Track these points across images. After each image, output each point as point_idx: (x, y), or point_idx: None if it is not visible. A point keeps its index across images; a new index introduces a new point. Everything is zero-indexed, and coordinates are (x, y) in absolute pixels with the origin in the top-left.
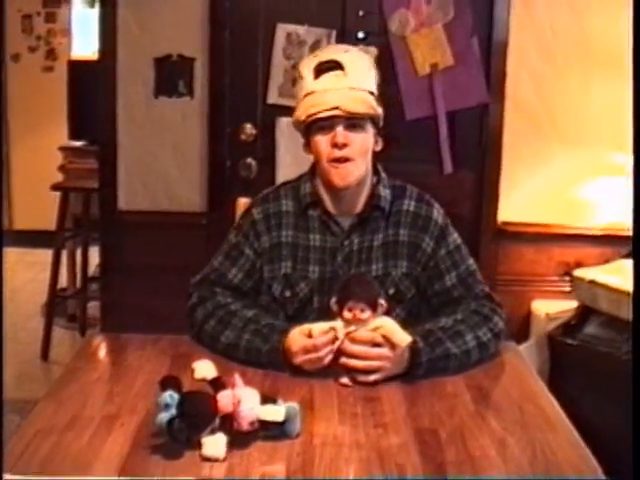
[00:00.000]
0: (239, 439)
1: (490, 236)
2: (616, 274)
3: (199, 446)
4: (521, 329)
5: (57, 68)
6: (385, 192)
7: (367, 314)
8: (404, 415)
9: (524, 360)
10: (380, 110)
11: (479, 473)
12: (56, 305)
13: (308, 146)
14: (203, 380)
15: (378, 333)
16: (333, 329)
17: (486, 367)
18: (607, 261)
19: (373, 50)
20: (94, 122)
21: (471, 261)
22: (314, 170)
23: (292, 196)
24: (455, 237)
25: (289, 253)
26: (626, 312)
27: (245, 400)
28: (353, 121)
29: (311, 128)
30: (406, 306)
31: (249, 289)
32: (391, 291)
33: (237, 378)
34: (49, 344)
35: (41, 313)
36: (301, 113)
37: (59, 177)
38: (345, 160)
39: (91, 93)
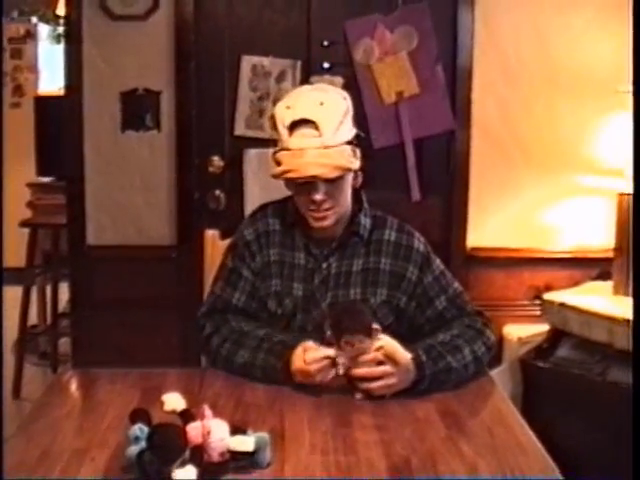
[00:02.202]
0: (210, 470)
1: (460, 262)
2: (586, 296)
3: (170, 478)
4: (493, 354)
5: (24, 104)
6: (365, 220)
7: (365, 343)
8: (375, 442)
9: (494, 384)
10: (356, 161)
11: None
12: (27, 342)
13: (286, 184)
14: (173, 412)
15: (380, 353)
16: (328, 358)
17: (457, 391)
18: (576, 283)
19: (339, 80)
20: (62, 158)
21: (457, 284)
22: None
23: (278, 215)
24: (438, 263)
25: (277, 271)
26: (597, 334)
27: (215, 431)
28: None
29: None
30: (418, 344)
31: (255, 310)
32: None
33: (206, 409)
34: (20, 382)
35: (12, 350)
36: (278, 173)
37: (27, 213)
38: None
39: (58, 129)
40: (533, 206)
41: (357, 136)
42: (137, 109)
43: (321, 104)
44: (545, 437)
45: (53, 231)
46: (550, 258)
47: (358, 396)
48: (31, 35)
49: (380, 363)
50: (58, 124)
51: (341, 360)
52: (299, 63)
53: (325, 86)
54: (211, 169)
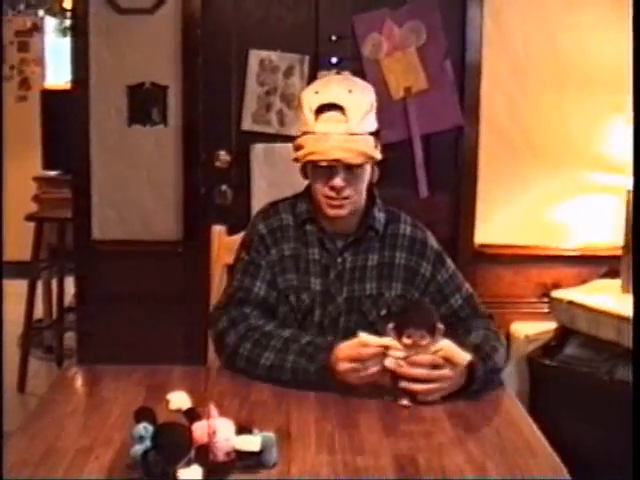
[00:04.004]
0: (215, 470)
1: (467, 259)
2: (594, 294)
3: (175, 478)
4: None
5: (31, 98)
6: (380, 215)
7: (427, 340)
8: (382, 442)
9: (503, 384)
10: (379, 153)
11: None
12: (32, 336)
13: (304, 172)
14: (178, 411)
15: (438, 355)
16: (386, 347)
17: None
18: (585, 281)
19: (347, 75)
20: (68, 151)
21: (468, 285)
22: (310, 190)
23: (290, 211)
24: (450, 262)
25: (293, 265)
26: (605, 332)
27: (220, 430)
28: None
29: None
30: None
31: (274, 299)
32: (383, 312)
33: (212, 408)
34: (25, 376)
35: (17, 345)
36: (301, 155)
37: (33, 207)
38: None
39: (65, 122)
40: (541, 203)
41: (378, 132)
42: (144, 103)
43: (350, 92)
44: (552, 435)
45: (59, 225)
46: (558, 255)
47: (404, 402)
48: (38, 28)
49: (434, 367)
50: (64, 118)
51: (395, 354)
52: (307, 58)
53: (355, 78)
54: (218, 164)
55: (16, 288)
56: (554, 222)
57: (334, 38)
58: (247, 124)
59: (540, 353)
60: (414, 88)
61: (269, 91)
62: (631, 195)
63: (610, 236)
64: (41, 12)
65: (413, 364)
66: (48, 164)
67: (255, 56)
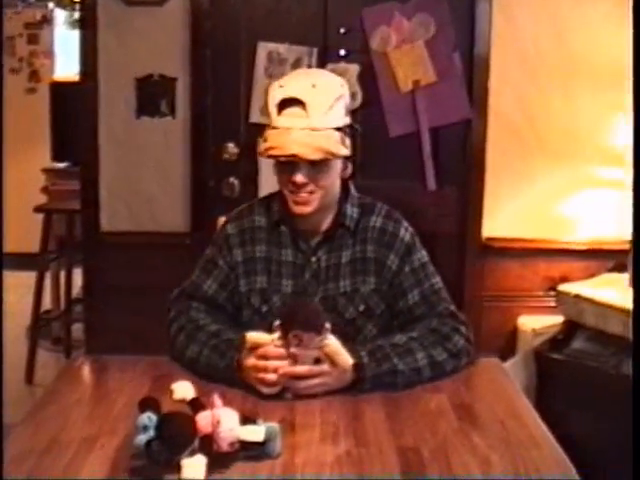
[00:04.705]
0: (219, 460)
1: (475, 252)
2: (601, 288)
3: (178, 468)
4: (507, 345)
5: (40, 90)
6: (352, 210)
7: (314, 341)
8: (386, 433)
9: (507, 376)
10: (344, 149)
11: None
12: (40, 328)
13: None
14: (182, 401)
15: (323, 351)
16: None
17: (469, 384)
18: (592, 275)
19: (355, 68)
20: (77, 143)
21: (436, 279)
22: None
23: (264, 212)
24: (421, 255)
25: (264, 267)
26: (612, 326)
27: (224, 421)
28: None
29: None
30: (377, 322)
31: (224, 300)
32: (361, 307)
33: (216, 398)
34: (33, 367)
35: (25, 336)
36: (263, 150)
37: (42, 199)
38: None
39: (74, 114)
40: (549, 197)
41: (351, 127)
42: (152, 95)
43: (313, 86)
44: (558, 429)
45: (67, 217)
46: (566, 249)
47: (288, 396)
48: (47, 20)
49: (317, 362)
50: (74, 110)
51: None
52: (315, 50)
53: (324, 72)
54: (226, 156)
55: (24, 280)
56: (562, 216)
57: (343, 31)
58: (255, 116)
59: (547, 347)
60: (422, 81)
61: None
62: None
63: (618, 230)
64: (51, 4)
65: (295, 360)
66: (57, 156)
67: (263, 48)
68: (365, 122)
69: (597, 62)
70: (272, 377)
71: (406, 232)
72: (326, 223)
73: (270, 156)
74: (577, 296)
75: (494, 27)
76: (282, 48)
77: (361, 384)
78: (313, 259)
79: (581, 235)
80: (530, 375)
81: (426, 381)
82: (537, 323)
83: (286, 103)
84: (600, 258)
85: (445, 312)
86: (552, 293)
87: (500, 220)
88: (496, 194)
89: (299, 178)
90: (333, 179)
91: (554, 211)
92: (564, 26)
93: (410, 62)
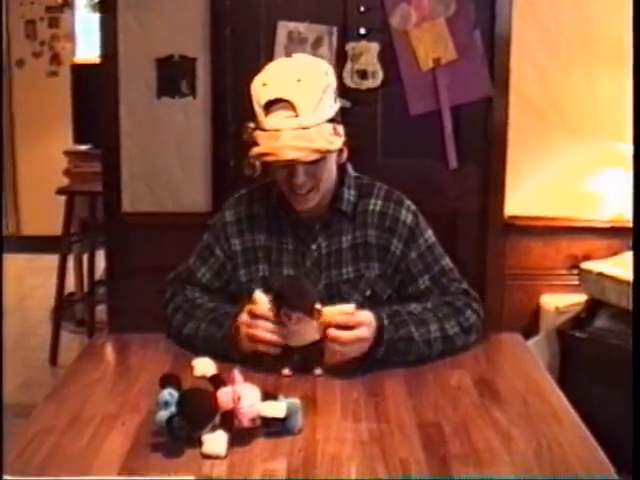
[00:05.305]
0: (240, 436)
1: (497, 230)
2: (624, 266)
3: (200, 444)
4: (530, 323)
5: (61, 73)
6: (349, 193)
7: (304, 321)
8: (407, 409)
9: (530, 352)
10: (338, 139)
11: (483, 466)
12: (64, 310)
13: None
14: (203, 377)
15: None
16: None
17: (490, 359)
18: (615, 253)
19: (375, 46)
20: (98, 125)
21: (446, 260)
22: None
23: (264, 198)
24: (427, 236)
25: (264, 256)
26: None
27: (245, 397)
28: None
29: None
30: (384, 308)
31: (217, 289)
32: (367, 293)
33: (237, 374)
34: (58, 349)
35: (50, 318)
36: (254, 156)
37: (64, 181)
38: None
39: (95, 97)
40: (572, 174)
41: (341, 109)
42: (173, 76)
43: (298, 81)
44: (582, 407)
45: (90, 199)
46: (589, 227)
47: (318, 371)
48: (68, 4)
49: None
50: (95, 92)
51: (267, 324)
52: (335, 29)
53: (304, 58)
54: (246, 136)
55: (48, 262)
56: (584, 193)
57: (363, 9)
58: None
59: (570, 325)
60: (443, 59)
61: None
62: None
63: None
64: None
65: (300, 338)
66: (79, 138)
67: (283, 27)
68: (386, 100)
69: (618, 39)
70: (262, 334)
71: (408, 213)
72: (323, 209)
73: (265, 162)
74: (600, 274)
75: (515, 5)
76: (302, 27)
77: (377, 346)
78: (313, 246)
79: (604, 213)
80: (553, 353)
81: (435, 355)
82: (560, 301)
83: (272, 102)
84: (623, 236)
85: (457, 291)
86: (575, 271)
87: (522, 198)
88: (518, 172)
89: (299, 179)
90: (330, 169)
91: (576, 189)
92: (585, 3)
93: (431, 40)
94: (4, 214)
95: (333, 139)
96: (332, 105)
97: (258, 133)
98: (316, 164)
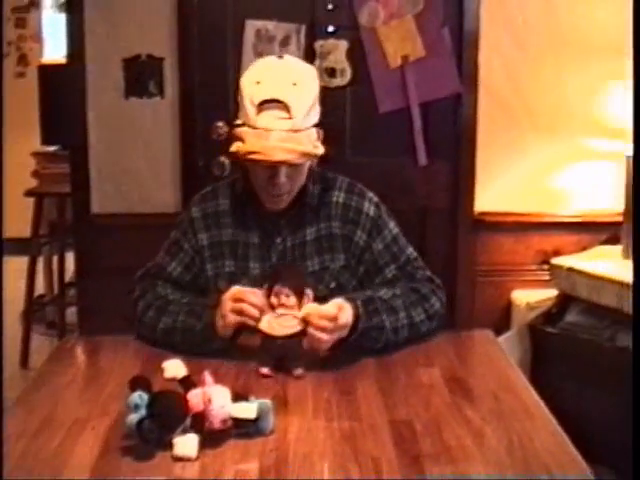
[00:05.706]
0: (211, 438)
1: (467, 227)
2: (594, 260)
3: (170, 446)
4: (501, 319)
5: (29, 74)
6: (314, 187)
7: (292, 301)
8: (379, 407)
9: (501, 349)
10: (320, 146)
11: (456, 464)
12: (34, 312)
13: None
14: (173, 379)
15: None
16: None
17: (461, 356)
18: (585, 248)
19: (344, 44)
20: (66, 126)
21: (410, 249)
22: (246, 169)
23: (229, 194)
24: (391, 227)
25: (230, 251)
26: (606, 298)
27: (216, 398)
28: None
29: None
30: (357, 293)
31: (187, 283)
32: (332, 285)
33: (207, 376)
34: (28, 351)
35: (19, 321)
36: (242, 153)
37: (33, 183)
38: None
39: (63, 97)
40: (541, 170)
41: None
42: (140, 76)
43: (294, 84)
44: (554, 403)
45: (58, 200)
46: (559, 222)
47: (264, 370)
48: (35, 4)
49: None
50: (63, 93)
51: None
52: (303, 27)
53: (297, 62)
54: (215, 135)
55: (17, 264)
56: (554, 189)
57: (330, 7)
58: None
59: (541, 320)
60: (412, 56)
61: None
62: (631, 161)
63: (610, 202)
64: None
65: (281, 329)
66: (47, 139)
67: (251, 26)
68: (355, 98)
69: (587, 33)
70: (250, 300)
71: (370, 205)
72: (290, 203)
73: (251, 161)
74: (570, 269)
75: (483, 1)
76: (270, 25)
77: (352, 335)
78: (278, 240)
79: (573, 208)
80: (525, 349)
81: (401, 341)
82: (531, 297)
83: (265, 102)
84: (593, 231)
85: (423, 278)
86: (545, 267)
87: (492, 194)
88: (488, 168)
89: (281, 180)
90: (305, 172)
91: (546, 184)
92: None
93: (399, 37)
94: None
95: (317, 144)
96: (318, 111)
97: (245, 130)
98: (297, 168)
